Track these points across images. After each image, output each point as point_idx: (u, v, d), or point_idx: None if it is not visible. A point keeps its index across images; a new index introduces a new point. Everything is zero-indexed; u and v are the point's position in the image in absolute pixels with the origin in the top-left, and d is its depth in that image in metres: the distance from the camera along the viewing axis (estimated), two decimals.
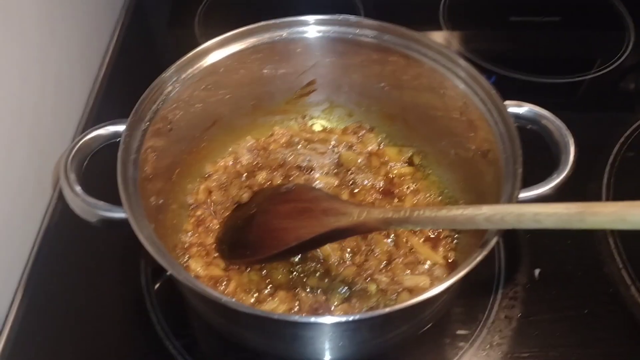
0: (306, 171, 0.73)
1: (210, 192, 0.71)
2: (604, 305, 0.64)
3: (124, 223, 0.52)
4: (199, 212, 0.69)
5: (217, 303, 0.48)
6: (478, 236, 0.52)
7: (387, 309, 0.46)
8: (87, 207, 0.55)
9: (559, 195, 0.51)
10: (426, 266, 0.64)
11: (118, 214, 0.53)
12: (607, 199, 0.72)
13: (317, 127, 0.78)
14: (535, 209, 0.44)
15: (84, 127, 0.83)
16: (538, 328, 0.63)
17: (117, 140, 0.58)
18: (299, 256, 0.64)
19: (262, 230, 0.63)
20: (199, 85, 0.65)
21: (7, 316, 0.65)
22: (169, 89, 0.62)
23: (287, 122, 0.78)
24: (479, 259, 0.48)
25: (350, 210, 0.57)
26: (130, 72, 0.91)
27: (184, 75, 0.63)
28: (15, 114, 0.68)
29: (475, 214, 0.48)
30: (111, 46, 0.96)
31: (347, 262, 0.64)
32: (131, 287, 0.67)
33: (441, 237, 0.66)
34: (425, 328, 0.59)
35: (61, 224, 0.73)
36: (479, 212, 0.48)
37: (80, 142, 0.59)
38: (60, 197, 0.70)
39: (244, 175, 0.73)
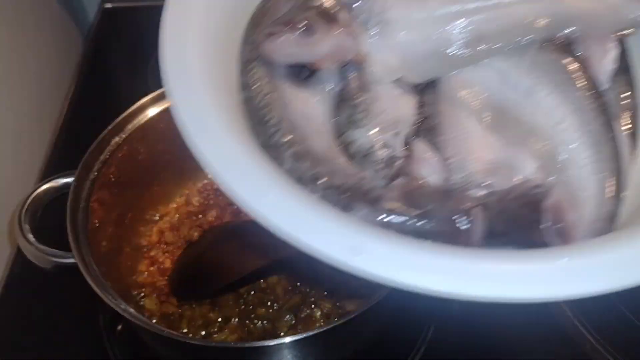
0: None
1: (162, 233, 0.75)
2: (537, 324, 0.68)
3: (75, 268, 0.56)
4: (152, 253, 0.73)
5: (161, 336, 0.52)
6: None
7: (315, 331, 0.50)
8: (40, 254, 0.59)
9: None
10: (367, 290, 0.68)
11: (69, 260, 0.58)
12: None
13: None
14: None
15: (43, 177, 0.86)
16: (476, 342, 0.67)
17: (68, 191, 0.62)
18: (248, 287, 0.68)
19: (209, 266, 0.67)
20: (143, 136, 0.70)
21: None
22: (116, 139, 0.67)
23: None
24: None
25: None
26: (88, 121, 0.94)
27: (129, 127, 0.68)
28: None
29: None
30: (68, 98, 1.01)
31: (293, 291, 0.68)
32: (90, 327, 0.70)
33: None
34: (368, 346, 0.64)
35: (22, 272, 0.76)
36: None
37: (33, 195, 0.63)
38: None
39: (196, 215, 0.77)
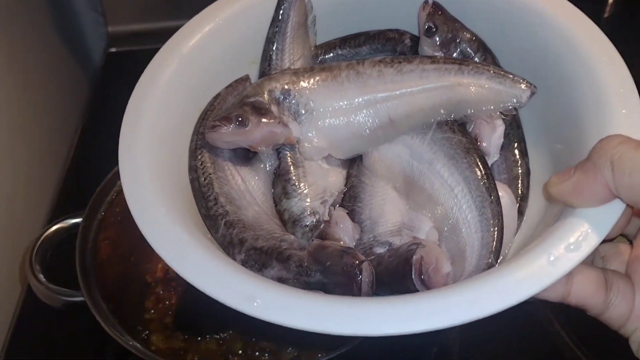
0: None
1: (167, 270, 0.82)
2: None
3: (84, 305, 0.64)
4: (158, 290, 0.80)
5: None
6: None
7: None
8: (50, 294, 0.67)
9: None
10: None
11: (78, 298, 0.65)
12: None
13: None
14: None
15: (52, 218, 0.91)
16: None
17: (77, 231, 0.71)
18: None
19: (215, 300, 0.74)
20: None
21: None
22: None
23: None
24: None
25: None
26: (95, 163, 0.97)
27: None
28: None
29: None
30: (75, 141, 1.08)
31: None
32: None
33: None
34: None
35: (32, 311, 0.83)
36: None
37: (44, 236, 0.71)
38: (30, 287, 0.78)
39: None
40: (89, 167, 1.01)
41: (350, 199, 0.49)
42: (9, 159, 0.88)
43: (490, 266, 0.42)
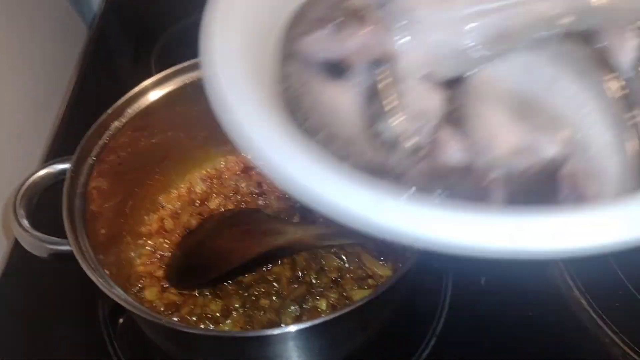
0: (259, 196, 0.76)
1: (163, 222, 0.74)
2: (548, 307, 0.67)
3: (73, 257, 0.55)
4: (152, 242, 0.72)
5: (161, 325, 0.51)
6: None
7: (322, 319, 0.49)
8: (35, 241, 0.58)
9: None
10: (375, 280, 0.67)
11: (64, 247, 0.56)
12: None
13: None
14: None
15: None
16: (487, 334, 0.65)
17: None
18: (252, 278, 0.67)
19: (208, 253, 0.66)
20: (144, 121, 0.68)
21: None
22: (115, 124, 0.65)
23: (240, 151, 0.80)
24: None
25: (287, 229, 0.62)
26: (91, 109, 0.92)
27: (129, 110, 0.66)
28: None
29: None
30: (71, 86, 1.01)
31: (298, 281, 0.67)
32: (90, 321, 0.69)
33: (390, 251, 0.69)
34: (376, 338, 0.62)
35: (20, 266, 0.75)
36: None
37: (29, 181, 0.62)
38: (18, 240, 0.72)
39: (198, 203, 0.76)
40: (85, 114, 0.89)
41: (455, 123, 0.40)
42: (3, 106, 0.83)
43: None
